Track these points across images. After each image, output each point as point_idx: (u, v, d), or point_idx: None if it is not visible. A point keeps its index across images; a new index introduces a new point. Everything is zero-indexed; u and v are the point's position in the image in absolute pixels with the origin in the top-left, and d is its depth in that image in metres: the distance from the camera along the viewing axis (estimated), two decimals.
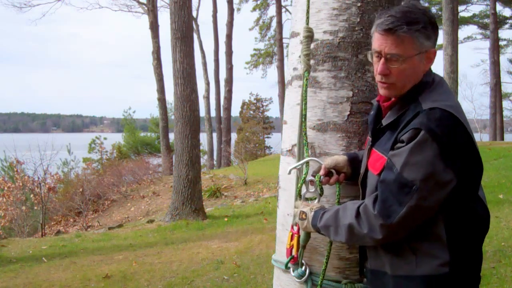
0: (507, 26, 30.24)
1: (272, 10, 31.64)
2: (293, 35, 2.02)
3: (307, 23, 1.84)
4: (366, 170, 1.65)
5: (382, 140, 1.58)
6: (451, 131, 1.42)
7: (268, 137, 33.39)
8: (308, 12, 1.84)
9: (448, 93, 1.54)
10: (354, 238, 1.54)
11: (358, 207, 1.52)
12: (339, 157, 1.78)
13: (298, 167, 1.81)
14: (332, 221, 1.58)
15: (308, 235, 1.78)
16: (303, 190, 1.79)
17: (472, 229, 1.51)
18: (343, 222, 1.54)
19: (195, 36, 22.43)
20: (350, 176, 1.77)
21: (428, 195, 1.41)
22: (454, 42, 17.74)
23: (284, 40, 26.53)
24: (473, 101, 44.80)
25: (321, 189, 1.77)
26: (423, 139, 1.40)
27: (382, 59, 1.51)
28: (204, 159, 25.32)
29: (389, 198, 1.44)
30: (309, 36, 1.83)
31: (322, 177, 1.76)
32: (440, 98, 1.49)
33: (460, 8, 26.68)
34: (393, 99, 1.57)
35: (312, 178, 1.77)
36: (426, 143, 1.40)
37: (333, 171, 1.77)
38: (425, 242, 1.48)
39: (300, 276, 1.82)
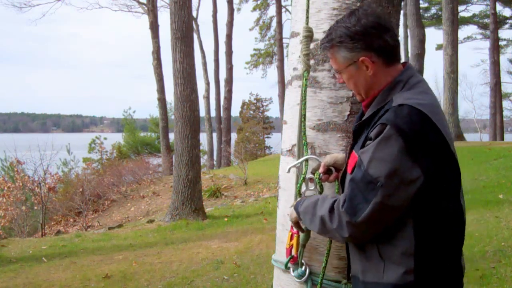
0: (507, 26, 30.28)
1: (272, 10, 31.68)
2: (293, 35, 2.02)
3: (307, 23, 1.84)
4: (345, 170, 1.65)
5: (359, 139, 1.57)
6: (419, 128, 1.39)
7: (268, 137, 33.37)
8: (307, 11, 1.85)
9: (426, 93, 1.50)
10: (325, 231, 1.53)
11: (334, 202, 1.50)
12: (338, 155, 1.78)
13: (297, 166, 1.82)
14: (310, 209, 1.58)
15: (308, 235, 1.78)
16: (303, 188, 1.79)
17: (443, 236, 1.44)
18: (318, 213, 1.53)
19: (195, 36, 22.43)
20: None
21: (394, 192, 1.37)
22: (454, 42, 17.75)
23: (284, 40, 26.52)
24: (473, 101, 44.91)
25: (321, 187, 1.78)
26: (388, 134, 1.38)
27: None
28: (204, 159, 25.31)
29: (356, 196, 1.42)
30: (309, 36, 1.83)
31: (321, 174, 1.76)
32: (415, 96, 1.46)
33: (460, 8, 26.71)
34: (369, 98, 1.59)
35: (312, 176, 1.77)
36: (391, 138, 1.38)
37: (332, 168, 1.77)
38: (393, 247, 1.43)
39: (300, 276, 1.82)
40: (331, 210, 1.48)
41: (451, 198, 1.46)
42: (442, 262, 1.44)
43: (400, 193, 1.38)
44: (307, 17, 1.85)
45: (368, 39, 1.50)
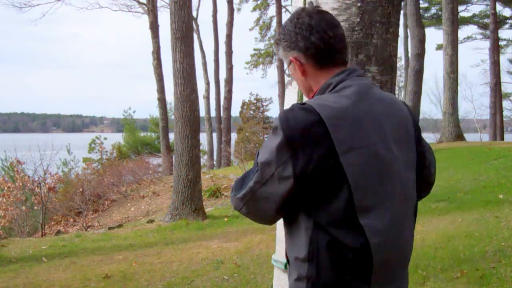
0: (507, 26, 30.30)
1: (272, 10, 31.68)
2: None
3: None
4: None
5: None
6: (304, 127, 1.29)
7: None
8: None
9: (347, 98, 1.36)
10: None
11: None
12: None
13: None
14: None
15: None
16: None
17: (336, 241, 1.30)
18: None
19: (195, 36, 22.45)
20: None
21: (264, 182, 1.35)
22: (454, 42, 17.76)
23: None
24: (473, 101, 44.98)
25: None
26: (275, 125, 1.35)
27: None
28: (204, 159, 25.32)
29: (249, 175, 1.42)
30: None
31: None
32: (327, 99, 1.36)
33: (460, 8, 26.71)
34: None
35: None
36: (276, 130, 1.34)
37: None
38: (291, 250, 1.38)
39: None
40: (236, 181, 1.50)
41: (339, 199, 1.29)
42: (340, 275, 1.31)
43: (269, 186, 1.34)
44: None
45: (294, 39, 1.46)
